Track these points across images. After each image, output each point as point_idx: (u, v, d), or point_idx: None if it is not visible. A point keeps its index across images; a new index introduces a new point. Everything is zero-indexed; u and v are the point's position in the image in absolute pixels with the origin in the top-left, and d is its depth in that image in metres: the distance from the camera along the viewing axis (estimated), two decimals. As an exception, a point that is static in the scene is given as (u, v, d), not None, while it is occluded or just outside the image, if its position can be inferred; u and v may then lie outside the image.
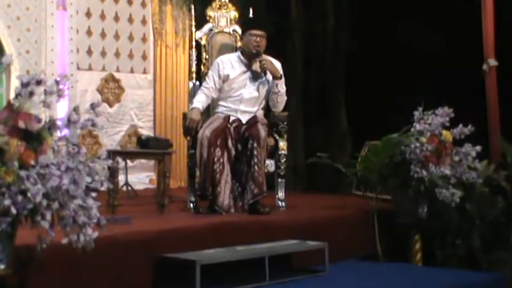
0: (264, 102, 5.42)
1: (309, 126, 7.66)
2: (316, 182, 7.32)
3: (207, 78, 5.43)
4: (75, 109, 3.02)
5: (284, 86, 5.38)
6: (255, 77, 5.38)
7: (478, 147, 5.00)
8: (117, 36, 7.75)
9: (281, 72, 5.39)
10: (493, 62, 5.75)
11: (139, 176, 7.61)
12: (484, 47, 5.79)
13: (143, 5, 7.96)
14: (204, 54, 5.83)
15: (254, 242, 4.32)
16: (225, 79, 5.36)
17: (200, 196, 5.10)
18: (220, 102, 5.39)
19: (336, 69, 7.62)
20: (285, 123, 5.41)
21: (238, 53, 5.48)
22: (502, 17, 5.82)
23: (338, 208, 5.55)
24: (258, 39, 5.31)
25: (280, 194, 5.38)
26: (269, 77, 5.31)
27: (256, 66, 5.37)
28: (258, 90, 5.38)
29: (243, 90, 5.35)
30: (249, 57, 5.38)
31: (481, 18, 5.82)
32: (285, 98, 5.42)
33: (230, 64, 5.40)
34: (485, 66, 5.77)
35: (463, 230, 5.11)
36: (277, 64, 5.43)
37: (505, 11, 5.85)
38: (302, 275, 4.31)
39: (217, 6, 5.89)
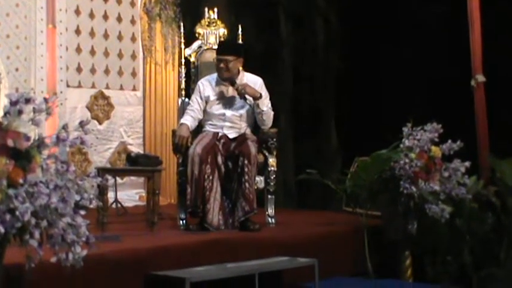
0: (250, 119, 5.41)
1: (298, 143, 7.67)
2: (306, 199, 7.32)
3: (190, 102, 5.45)
4: (64, 127, 3.01)
5: (267, 103, 5.34)
6: (235, 97, 5.36)
7: (467, 163, 5.02)
8: (106, 54, 7.74)
9: (261, 90, 5.34)
10: (481, 77, 5.77)
11: (129, 193, 7.58)
12: (472, 63, 5.82)
13: (133, 22, 7.97)
14: (193, 71, 5.85)
15: (244, 259, 4.30)
16: (207, 100, 5.37)
17: (191, 213, 5.10)
18: (207, 121, 5.40)
19: (326, 86, 7.64)
20: (275, 139, 5.40)
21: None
22: (489, 32, 5.85)
23: (328, 225, 5.55)
24: (222, 64, 5.30)
25: (270, 211, 5.38)
26: (249, 100, 5.30)
27: (233, 91, 5.35)
28: (240, 109, 5.36)
29: (225, 111, 5.35)
30: (225, 79, 5.38)
31: (468, 34, 5.85)
32: (272, 113, 5.37)
33: (210, 86, 5.40)
34: (473, 82, 5.79)
35: (453, 246, 5.11)
36: (258, 81, 5.42)
37: (492, 26, 5.89)
38: (292, 292, 4.30)
39: (206, 23, 5.92)
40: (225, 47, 5.45)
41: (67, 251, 2.89)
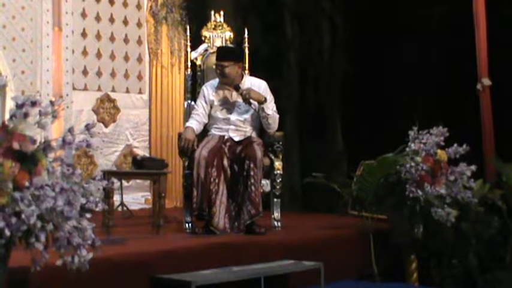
0: (256, 123, 5.40)
1: (304, 146, 7.67)
2: (311, 202, 7.31)
3: (195, 106, 5.45)
4: (70, 130, 3.01)
5: (271, 106, 5.32)
6: (240, 102, 5.36)
7: (473, 167, 5.00)
8: (112, 57, 7.76)
9: (266, 94, 5.33)
10: (486, 81, 5.77)
11: (135, 196, 7.59)
12: (478, 67, 5.82)
13: (139, 25, 7.99)
14: (199, 74, 5.86)
15: (250, 263, 4.30)
16: (211, 105, 5.37)
17: (197, 216, 5.09)
18: (212, 125, 5.40)
19: (332, 89, 7.64)
20: (280, 143, 5.39)
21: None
22: (495, 36, 5.84)
23: (334, 228, 5.54)
24: (218, 70, 5.32)
25: (276, 214, 5.37)
26: (254, 104, 5.30)
27: (237, 96, 5.35)
28: (245, 113, 5.36)
29: (230, 115, 5.35)
30: (226, 84, 5.38)
31: (474, 39, 5.84)
32: (277, 116, 5.36)
33: (215, 90, 5.40)
34: (479, 86, 5.79)
35: (459, 249, 5.10)
36: (262, 84, 5.42)
37: (498, 30, 5.88)
38: (298, 296, 4.30)
39: (212, 26, 5.92)
40: (220, 53, 5.44)
41: (73, 254, 2.89)
